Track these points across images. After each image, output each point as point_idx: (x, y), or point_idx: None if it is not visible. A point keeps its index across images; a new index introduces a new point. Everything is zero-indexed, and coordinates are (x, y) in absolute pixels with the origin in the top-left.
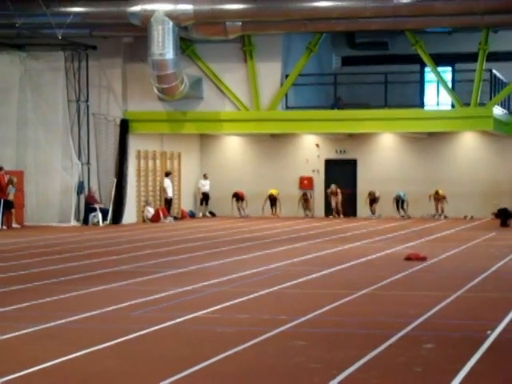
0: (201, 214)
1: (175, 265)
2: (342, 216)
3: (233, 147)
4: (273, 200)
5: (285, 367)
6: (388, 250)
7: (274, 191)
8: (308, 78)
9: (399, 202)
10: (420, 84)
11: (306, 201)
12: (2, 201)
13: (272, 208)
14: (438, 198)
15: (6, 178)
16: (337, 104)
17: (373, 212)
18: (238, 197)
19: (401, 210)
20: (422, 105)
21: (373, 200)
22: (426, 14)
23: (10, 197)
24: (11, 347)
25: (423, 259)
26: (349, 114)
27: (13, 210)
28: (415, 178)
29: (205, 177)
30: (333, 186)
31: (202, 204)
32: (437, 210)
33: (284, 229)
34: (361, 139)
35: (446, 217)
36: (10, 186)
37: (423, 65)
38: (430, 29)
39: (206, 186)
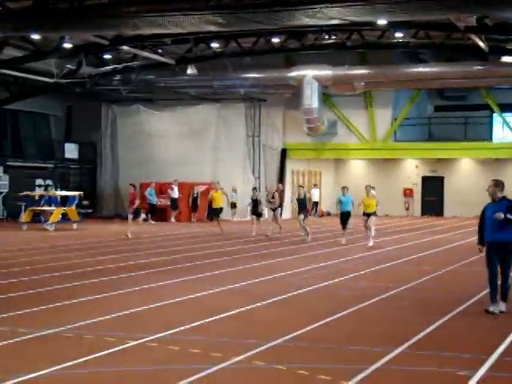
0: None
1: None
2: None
3: (357, 168)
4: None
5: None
6: (468, 239)
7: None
8: (410, 119)
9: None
10: (489, 124)
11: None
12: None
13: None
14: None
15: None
16: (430, 138)
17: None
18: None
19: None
20: (490, 138)
21: None
22: (496, 76)
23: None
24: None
25: None
26: (438, 144)
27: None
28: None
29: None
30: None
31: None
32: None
33: (389, 224)
34: (447, 162)
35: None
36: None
37: (492, 111)
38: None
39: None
